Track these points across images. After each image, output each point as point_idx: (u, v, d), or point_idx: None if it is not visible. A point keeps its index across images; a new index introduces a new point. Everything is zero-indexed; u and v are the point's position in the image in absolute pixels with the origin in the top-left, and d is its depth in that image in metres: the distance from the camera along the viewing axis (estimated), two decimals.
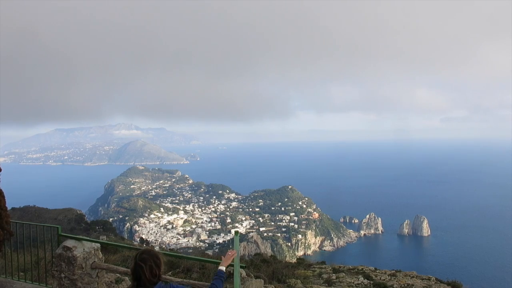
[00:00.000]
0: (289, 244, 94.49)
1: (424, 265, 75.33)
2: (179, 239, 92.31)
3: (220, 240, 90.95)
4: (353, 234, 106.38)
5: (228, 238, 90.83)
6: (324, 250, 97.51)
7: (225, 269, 4.07)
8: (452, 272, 62.08)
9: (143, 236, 78.90)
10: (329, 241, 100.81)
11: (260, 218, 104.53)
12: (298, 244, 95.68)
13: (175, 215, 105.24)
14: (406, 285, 11.36)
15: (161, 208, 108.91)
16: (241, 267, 5.23)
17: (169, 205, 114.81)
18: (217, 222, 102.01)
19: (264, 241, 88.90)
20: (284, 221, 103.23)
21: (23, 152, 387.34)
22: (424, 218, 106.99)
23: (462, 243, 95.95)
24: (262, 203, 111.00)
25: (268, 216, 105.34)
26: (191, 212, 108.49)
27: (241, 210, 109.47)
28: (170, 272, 9.39)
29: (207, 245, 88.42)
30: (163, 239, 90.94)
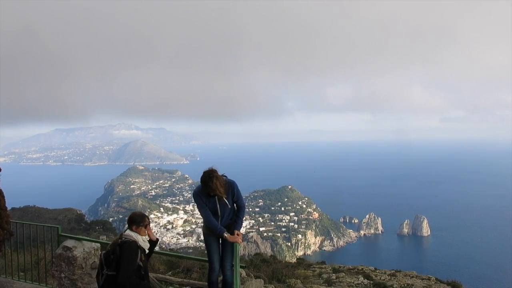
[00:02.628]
0: (289, 244, 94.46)
1: (424, 265, 75.32)
2: (179, 239, 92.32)
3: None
4: (353, 234, 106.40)
5: None
6: (324, 250, 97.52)
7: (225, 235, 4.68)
8: (452, 272, 62.10)
9: None
10: (329, 241, 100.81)
11: (260, 218, 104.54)
12: (298, 244, 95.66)
13: (175, 215, 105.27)
14: (406, 285, 11.36)
15: (161, 208, 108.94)
16: (241, 267, 5.24)
17: (169, 205, 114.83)
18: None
19: (264, 241, 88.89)
20: (284, 221, 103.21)
21: (23, 152, 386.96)
22: (424, 218, 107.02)
23: (462, 243, 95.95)
24: (262, 203, 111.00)
25: (268, 216, 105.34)
26: (191, 212, 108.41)
27: None
28: (170, 272, 9.38)
29: None
30: (163, 239, 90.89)
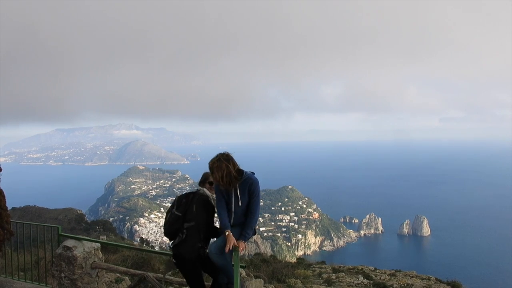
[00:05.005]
0: (289, 244, 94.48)
1: (424, 265, 75.31)
2: None
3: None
4: (353, 234, 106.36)
5: None
6: (324, 250, 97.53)
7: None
8: (451, 272, 61.99)
9: (143, 236, 78.86)
10: (329, 241, 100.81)
11: (260, 218, 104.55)
12: (298, 244, 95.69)
13: None
14: (406, 284, 11.37)
15: (162, 208, 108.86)
16: (241, 267, 5.23)
17: (169, 205, 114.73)
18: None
19: (264, 241, 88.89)
20: (284, 221, 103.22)
21: (24, 152, 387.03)
22: (424, 218, 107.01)
23: (462, 243, 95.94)
24: (262, 203, 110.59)
25: (268, 216, 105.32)
26: None
27: None
28: (170, 272, 9.38)
29: None
30: (163, 239, 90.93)
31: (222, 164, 4.03)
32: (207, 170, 4.37)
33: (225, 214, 4.30)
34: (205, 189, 4.42)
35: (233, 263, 4.47)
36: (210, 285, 4.75)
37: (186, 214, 4.28)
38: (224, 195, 4.26)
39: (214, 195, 4.36)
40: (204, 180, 4.48)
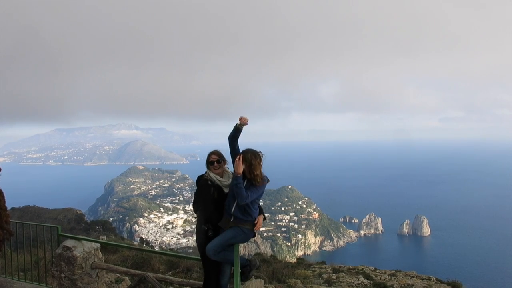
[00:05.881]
0: (289, 244, 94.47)
1: (424, 265, 75.32)
2: (179, 239, 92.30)
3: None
4: (353, 234, 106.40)
5: None
6: (324, 250, 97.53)
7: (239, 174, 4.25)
8: (452, 272, 62.02)
9: (143, 236, 78.87)
10: (329, 241, 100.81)
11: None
12: (298, 244, 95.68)
13: (175, 215, 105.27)
14: (406, 285, 11.36)
15: (161, 208, 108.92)
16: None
17: (169, 205, 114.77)
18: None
19: (264, 241, 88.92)
20: (284, 221, 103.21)
21: (23, 152, 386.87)
22: (424, 218, 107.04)
23: (462, 243, 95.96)
24: (262, 203, 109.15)
25: (268, 216, 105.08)
26: (191, 212, 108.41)
27: None
28: (170, 272, 9.38)
29: None
30: (163, 239, 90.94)
31: (253, 158, 4.53)
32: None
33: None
34: (208, 171, 4.56)
35: (219, 248, 4.44)
36: (202, 284, 4.75)
37: (196, 197, 4.60)
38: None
39: (217, 176, 4.50)
40: (206, 162, 4.63)
